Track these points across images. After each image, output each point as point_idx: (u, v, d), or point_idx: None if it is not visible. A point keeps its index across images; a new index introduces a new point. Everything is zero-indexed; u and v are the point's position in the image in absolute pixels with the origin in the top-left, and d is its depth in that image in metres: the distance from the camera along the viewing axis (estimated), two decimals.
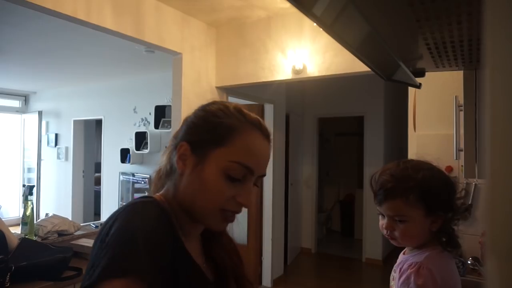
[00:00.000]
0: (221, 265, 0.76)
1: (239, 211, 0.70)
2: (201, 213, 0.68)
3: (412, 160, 1.08)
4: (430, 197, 0.97)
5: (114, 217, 0.62)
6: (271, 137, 0.74)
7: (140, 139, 5.19)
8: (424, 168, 1.01)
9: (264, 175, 0.73)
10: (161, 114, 4.98)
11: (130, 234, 0.58)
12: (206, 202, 0.67)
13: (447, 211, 0.99)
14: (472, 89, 1.19)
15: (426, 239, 1.00)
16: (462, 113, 1.29)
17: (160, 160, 0.78)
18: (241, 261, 0.82)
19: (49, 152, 6.75)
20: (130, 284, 0.52)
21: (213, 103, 0.75)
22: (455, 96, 1.55)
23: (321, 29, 0.59)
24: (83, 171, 6.60)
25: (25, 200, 2.29)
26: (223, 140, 0.68)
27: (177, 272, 0.63)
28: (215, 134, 0.68)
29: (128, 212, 0.63)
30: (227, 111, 0.71)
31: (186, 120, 0.76)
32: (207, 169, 0.67)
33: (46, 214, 2.57)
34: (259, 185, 0.74)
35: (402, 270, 0.99)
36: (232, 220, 0.71)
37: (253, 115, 0.73)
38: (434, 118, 2.31)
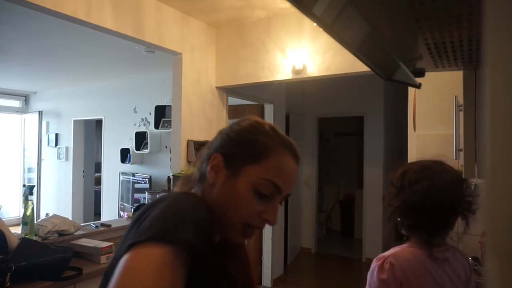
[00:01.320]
0: (234, 277, 0.76)
1: (262, 228, 0.72)
2: (226, 224, 0.70)
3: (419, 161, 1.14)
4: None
5: (153, 203, 0.64)
6: (299, 160, 0.77)
7: (140, 139, 5.19)
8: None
9: (290, 195, 0.75)
10: (161, 114, 4.98)
11: (178, 210, 0.60)
12: (234, 214, 0.69)
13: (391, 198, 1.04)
14: (472, 89, 1.19)
15: (392, 232, 1.06)
16: (462, 113, 1.29)
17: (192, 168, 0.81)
18: (252, 275, 0.83)
19: (49, 152, 6.75)
20: (178, 253, 0.53)
21: (248, 119, 0.77)
22: (455, 96, 1.55)
23: (321, 29, 0.59)
24: (83, 171, 6.60)
25: (26, 200, 2.29)
26: (257, 157, 0.70)
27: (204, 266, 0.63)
28: (250, 150, 0.71)
29: (172, 197, 0.66)
30: (263, 130, 0.74)
31: (221, 132, 0.78)
32: (239, 183, 0.69)
33: (46, 214, 2.57)
34: (283, 204, 0.77)
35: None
36: (251, 236, 0.73)
37: (287, 136, 0.76)
38: (434, 118, 2.31)
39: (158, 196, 0.72)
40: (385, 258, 0.98)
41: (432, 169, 1.04)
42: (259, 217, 0.70)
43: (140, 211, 0.64)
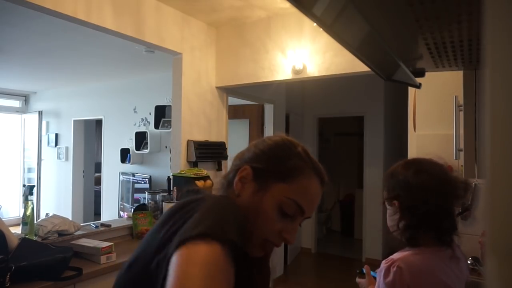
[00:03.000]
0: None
1: (279, 245, 0.73)
2: (248, 236, 0.70)
3: (408, 159, 1.15)
4: (384, 188, 1.08)
5: (187, 203, 0.64)
6: (325, 185, 0.78)
7: (140, 139, 5.19)
8: (396, 164, 1.10)
9: (310, 217, 0.76)
10: (161, 114, 4.98)
11: (224, 210, 0.61)
12: (256, 228, 0.70)
13: (400, 203, 1.03)
14: (472, 89, 1.19)
15: (399, 233, 1.04)
16: (462, 113, 1.29)
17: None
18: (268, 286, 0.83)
19: (49, 152, 6.75)
20: (228, 251, 0.53)
21: (280, 136, 0.78)
22: (455, 96, 1.55)
23: (321, 29, 0.59)
24: (83, 171, 6.59)
25: (25, 200, 2.29)
26: (287, 176, 0.71)
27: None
28: (281, 168, 0.72)
29: (213, 198, 0.68)
30: (296, 151, 0.74)
31: (254, 145, 0.79)
32: (265, 199, 0.70)
33: (46, 214, 2.56)
34: (302, 225, 0.78)
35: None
36: (270, 251, 0.74)
37: (317, 161, 0.77)
38: (434, 118, 2.31)
39: (187, 199, 0.71)
40: (393, 261, 0.97)
41: (440, 166, 1.04)
42: (278, 235, 0.71)
43: (169, 213, 0.64)
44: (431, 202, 0.99)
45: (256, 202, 0.70)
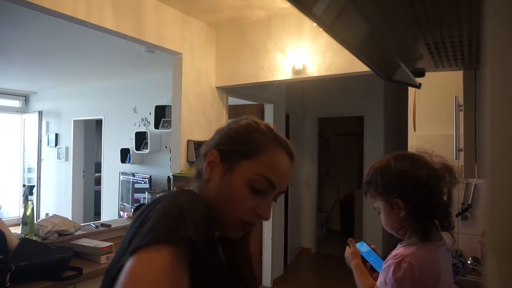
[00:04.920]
0: (241, 271, 0.78)
1: (256, 224, 0.74)
2: (223, 219, 0.71)
3: (393, 153, 1.09)
4: (378, 186, 1.04)
5: (153, 201, 0.65)
6: (295, 158, 0.79)
7: (140, 139, 5.19)
8: (384, 159, 1.06)
9: (284, 192, 0.77)
10: (161, 114, 4.98)
11: (177, 208, 0.61)
12: (230, 209, 0.71)
13: (405, 200, 1.00)
14: (472, 89, 1.19)
15: (404, 227, 1.01)
16: (461, 113, 1.29)
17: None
18: (254, 270, 0.84)
19: (49, 152, 6.75)
20: (181, 251, 0.54)
21: (246, 118, 0.80)
22: (455, 96, 1.55)
23: (321, 29, 0.59)
24: (83, 171, 6.59)
25: (25, 200, 2.29)
26: (252, 154, 0.72)
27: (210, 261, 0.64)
28: (246, 147, 0.73)
29: (170, 195, 0.67)
30: (259, 128, 0.76)
31: (219, 130, 0.80)
32: (234, 178, 0.71)
33: (46, 214, 2.56)
34: (277, 201, 0.79)
35: (388, 257, 1.01)
36: (249, 230, 0.75)
37: (283, 136, 0.78)
38: (434, 118, 2.31)
39: (157, 195, 0.71)
40: (403, 256, 0.96)
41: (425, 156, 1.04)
42: (253, 213, 0.72)
43: (140, 211, 0.65)
44: (436, 192, 0.99)
45: (226, 183, 0.71)
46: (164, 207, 0.61)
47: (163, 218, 0.59)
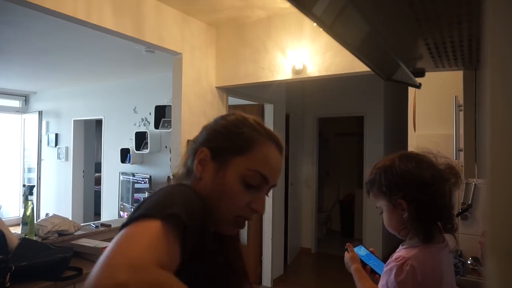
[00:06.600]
0: (233, 266, 0.78)
1: (250, 218, 0.74)
2: (218, 216, 0.72)
3: (398, 153, 1.08)
4: (382, 185, 1.02)
5: (150, 195, 0.66)
6: (284, 151, 0.79)
7: (140, 139, 5.19)
8: (388, 159, 1.04)
9: (275, 185, 0.77)
10: (161, 114, 4.98)
11: (169, 194, 0.62)
12: (224, 206, 0.71)
13: (409, 201, 0.98)
14: (472, 89, 1.19)
15: (407, 227, 1.00)
16: (461, 113, 1.29)
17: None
18: (245, 265, 0.84)
19: (49, 152, 6.75)
20: (170, 227, 0.54)
21: (233, 113, 0.79)
22: (455, 96, 1.55)
23: (321, 29, 0.59)
24: (83, 171, 6.59)
25: (25, 200, 2.29)
26: (244, 149, 0.73)
27: (203, 254, 0.64)
28: (237, 143, 0.73)
29: (166, 187, 0.68)
30: (248, 123, 0.76)
31: (206, 127, 0.80)
32: (228, 176, 0.71)
33: (46, 214, 2.57)
34: (269, 195, 0.79)
35: (389, 260, 1.00)
36: (242, 227, 0.75)
37: (271, 129, 0.78)
38: (434, 118, 2.31)
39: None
40: (405, 259, 0.95)
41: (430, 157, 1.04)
42: (247, 208, 0.72)
43: (137, 205, 0.66)
44: (440, 193, 0.98)
45: (219, 180, 0.71)
46: (157, 196, 0.62)
47: (155, 199, 0.60)
